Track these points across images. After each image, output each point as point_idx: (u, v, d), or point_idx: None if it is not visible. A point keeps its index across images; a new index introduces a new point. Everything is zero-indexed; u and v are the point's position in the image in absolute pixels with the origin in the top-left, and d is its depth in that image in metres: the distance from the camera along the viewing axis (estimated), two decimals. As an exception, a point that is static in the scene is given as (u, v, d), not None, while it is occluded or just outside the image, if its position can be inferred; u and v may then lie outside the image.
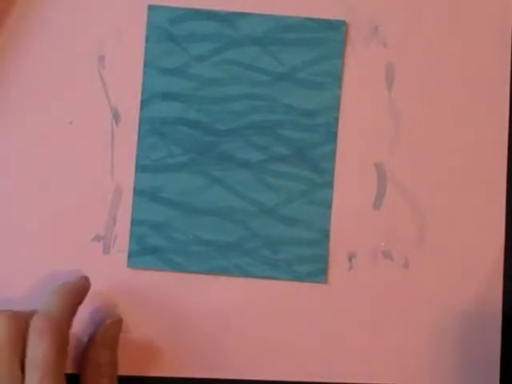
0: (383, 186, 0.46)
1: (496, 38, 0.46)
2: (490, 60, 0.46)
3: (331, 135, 0.46)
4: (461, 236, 0.46)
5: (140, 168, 0.46)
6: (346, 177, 0.46)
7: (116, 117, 0.46)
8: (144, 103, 0.46)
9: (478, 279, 0.46)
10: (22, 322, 0.39)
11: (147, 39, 0.46)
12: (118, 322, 0.44)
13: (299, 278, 0.46)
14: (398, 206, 0.46)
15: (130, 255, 0.46)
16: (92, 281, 0.44)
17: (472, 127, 0.46)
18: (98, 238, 0.46)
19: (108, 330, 0.44)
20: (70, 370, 0.44)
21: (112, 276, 0.46)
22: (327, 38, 0.46)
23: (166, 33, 0.46)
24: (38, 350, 0.38)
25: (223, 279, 0.46)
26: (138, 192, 0.46)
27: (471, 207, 0.46)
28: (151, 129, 0.46)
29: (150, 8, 0.46)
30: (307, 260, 0.46)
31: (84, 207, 0.46)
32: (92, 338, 0.44)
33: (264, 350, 0.46)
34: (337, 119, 0.46)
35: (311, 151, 0.46)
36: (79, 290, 0.43)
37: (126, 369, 0.45)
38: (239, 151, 0.46)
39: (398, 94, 0.46)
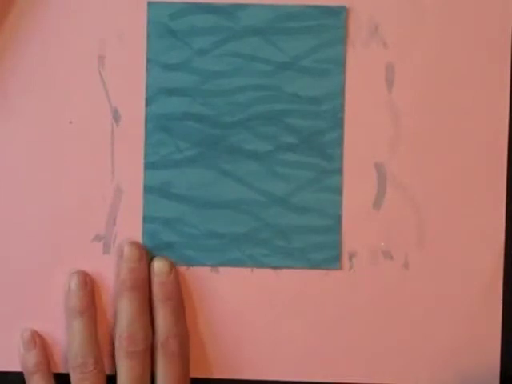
0: (383, 186, 0.46)
1: (496, 38, 0.46)
2: (489, 60, 0.46)
3: (338, 121, 0.46)
4: (461, 236, 0.46)
5: (149, 165, 0.46)
6: (346, 177, 0.46)
7: (116, 117, 0.46)
8: (149, 100, 0.46)
9: (478, 279, 0.46)
10: None
11: (148, 36, 0.46)
12: None
13: (314, 265, 0.46)
14: (398, 206, 0.46)
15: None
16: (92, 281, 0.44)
17: (472, 127, 0.46)
18: (98, 238, 0.46)
19: None
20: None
21: (112, 276, 0.46)
22: (328, 24, 0.46)
23: (167, 28, 0.46)
24: None
25: (238, 271, 0.46)
26: (148, 189, 0.46)
27: (471, 207, 0.46)
28: (157, 125, 0.46)
29: (150, 4, 0.46)
30: (321, 247, 0.46)
31: (84, 207, 0.46)
32: None
33: (263, 349, 0.46)
34: (342, 104, 0.46)
35: (318, 138, 0.46)
36: None
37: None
38: (247, 142, 0.46)
39: (398, 94, 0.46)
